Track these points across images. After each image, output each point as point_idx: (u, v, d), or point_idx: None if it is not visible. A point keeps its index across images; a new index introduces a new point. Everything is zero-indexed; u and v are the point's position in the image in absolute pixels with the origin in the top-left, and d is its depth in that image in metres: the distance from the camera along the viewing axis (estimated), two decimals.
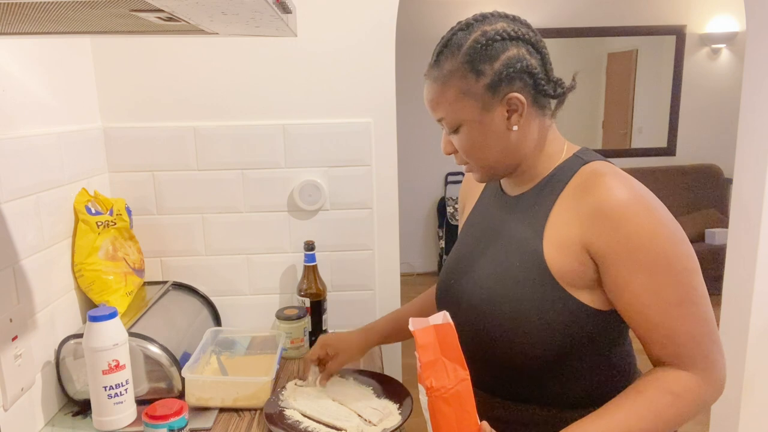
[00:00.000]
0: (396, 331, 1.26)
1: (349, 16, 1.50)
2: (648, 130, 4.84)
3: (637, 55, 4.71)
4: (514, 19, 0.91)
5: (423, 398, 0.84)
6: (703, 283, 0.85)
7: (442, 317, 0.84)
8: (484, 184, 1.10)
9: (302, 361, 1.26)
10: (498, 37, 0.86)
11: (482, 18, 0.90)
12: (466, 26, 0.89)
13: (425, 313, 1.21)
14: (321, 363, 1.25)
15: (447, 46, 0.90)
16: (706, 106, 4.76)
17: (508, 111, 0.89)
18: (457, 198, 4.76)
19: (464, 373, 0.81)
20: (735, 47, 4.66)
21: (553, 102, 0.94)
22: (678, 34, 4.64)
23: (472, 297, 0.96)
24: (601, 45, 4.72)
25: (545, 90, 0.90)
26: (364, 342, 1.25)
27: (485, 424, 0.82)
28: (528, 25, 0.91)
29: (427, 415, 0.84)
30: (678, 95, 4.75)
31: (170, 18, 0.64)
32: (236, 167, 1.54)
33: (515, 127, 0.90)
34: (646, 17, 4.60)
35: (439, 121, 0.94)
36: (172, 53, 1.48)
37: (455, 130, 0.92)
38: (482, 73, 0.87)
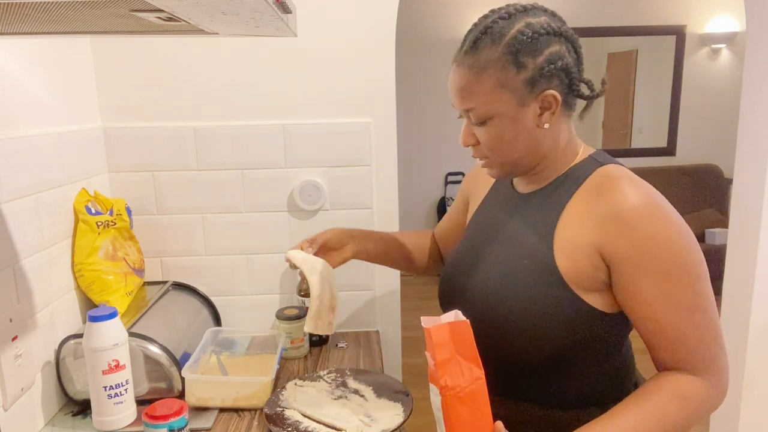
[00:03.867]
0: (375, 238, 1.23)
1: (349, 16, 1.49)
2: (648, 130, 4.84)
3: (637, 55, 4.72)
4: (554, 14, 0.89)
5: (435, 398, 0.82)
6: (711, 288, 0.85)
7: (454, 315, 0.83)
8: (492, 181, 1.08)
9: (307, 240, 1.16)
10: (543, 31, 0.84)
11: (523, 9, 0.87)
12: (508, 15, 0.86)
13: (413, 246, 1.28)
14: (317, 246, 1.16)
15: (487, 32, 0.86)
16: (706, 106, 4.77)
17: (541, 108, 0.87)
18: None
19: (479, 372, 0.80)
20: (735, 47, 4.66)
21: (580, 103, 0.92)
22: (678, 34, 4.64)
23: (478, 295, 0.95)
24: (601, 45, 4.72)
25: (578, 90, 0.88)
26: (349, 229, 1.21)
27: (499, 424, 0.81)
28: (565, 22, 0.89)
29: (438, 415, 0.82)
30: (678, 95, 4.75)
31: (170, 18, 0.64)
32: (236, 167, 1.54)
33: (546, 125, 0.88)
34: (646, 17, 4.61)
35: (467, 111, 0.90)
36: (172, 53, 1.48)
37: (483, 122, 0.89)
38: (524, 66, 0.84)
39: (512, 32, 0.85)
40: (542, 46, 0.84)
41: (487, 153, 0.92)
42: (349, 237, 1.20)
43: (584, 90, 0.90)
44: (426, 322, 0.82)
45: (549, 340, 0.88)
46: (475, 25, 0.89)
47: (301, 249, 1.13)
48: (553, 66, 0.85)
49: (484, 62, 0.86)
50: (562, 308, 0.87)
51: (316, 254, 1.14)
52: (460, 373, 0.79)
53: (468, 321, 0.81)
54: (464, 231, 1.11)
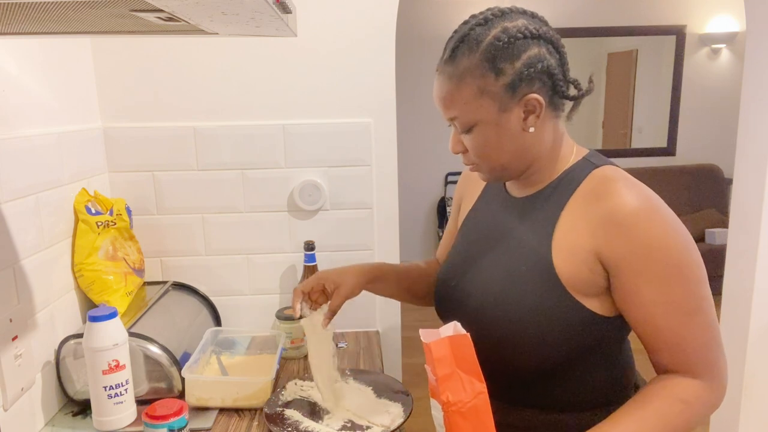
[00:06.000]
0: (386, 278, 1.14)
1: (349, 16, 1.49)
2: (648, 130, 4.84)
3: (637, 55, 4.71)
4: (533, 16, 0.88)
5: (437, 414, 0.81)
6: (710, 290, 0.85)
7: (453, 328, 0.81)
8: (484, 183, 1.07)
9: (293, 292, 1.11)
10: (520, 35, 0.83)
11: (501, 13, 0.86)
12: (485, 21, 0.85)
13: (420, 278, 1.16)
14: (316, 302, 1.12)
15: (464, 41, 0.85)
16: (706, 106, 4.76)
17: (525, 112, 0.86)
18: None
19: (481, 386, 0.79)
20: (735, 47, 4.66)
21: (568, 104, 0.91)
22: (678, 34, 4.64)
23: (476, 300, 0.94)
24: (601, 45, 4.71)
25: (563, 91, 0.87)
26: (361, 276, 1.11)
27: None
28: (546, 23, 0.88)
29: (441, 430, 0.82)
30: (678, 95, 4.75)
31: (170, 18, 0.64)
32: (236, 167, 1.54)
33: (531, 129, 0.87)
34: (646, 17, 4.60)
35: (451, 120, 0.90)
36: (172, 53, 1.48)
37: (468, 130, 0.88)
38: (502, 72, 0.83)
39: (488, 38, 0.84)
40: (520, 50, 0.83)
41: (476, 159, 0.92)
42: (363, 286, 1.11)
43: (570, 90, 0.89)
44: (425, 336, 0.81)
45: (549, 345, 0.87)
46: (455, 32, 0.88)
47: (307, 301, 1.10)
48: (533, 69, 0.84)
49: (462, 71, 0.85)
50: (562, 314, 0.86)
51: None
52: (462, 388, 0.78)
53: (468, 334, 0.80)
54: (457, 234, 1.09)
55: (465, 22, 0.88)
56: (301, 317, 1.11)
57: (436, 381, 0.79)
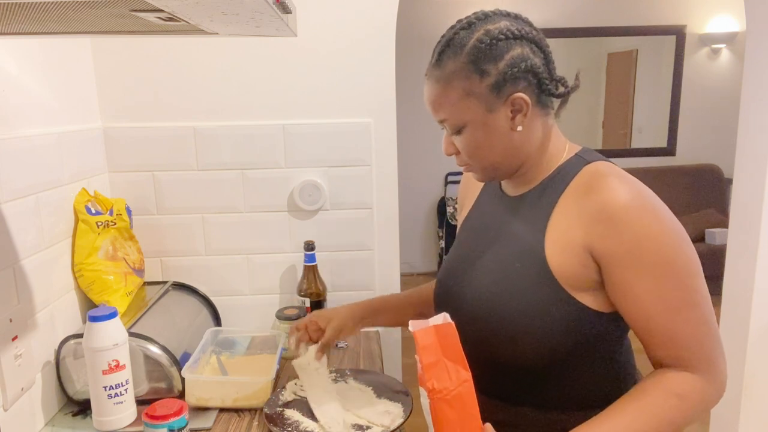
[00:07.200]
0: (385, 309, 1.21)
1: (349, 16, 1.50)
2: (648, 130, 4.84)
3: (637, 55, 4.71)
4: (516, 18, 0.90)
5: (425, 401, 0.82)
6: (705, 284, 0.85)
7: (442, 318, 0.83)
8: (482, 184, 1.09)
9: (289, 330, 1.18)
10: (502, 36, 0.85)
11: (484, 16, 0.89)
12: (468, 25, 0.88)
13: (422, 302, 1.20)
14: (313, 339, 1.19)
15: (449, 45, 0.88)
16: (706, 106, 4.76)
17: (512, 111, 0.88)
18: (457, 198, 4.75)
19: (466, 374, 0.80)
20: (735, 47, 4.66)
21: (556, 101, 0.93)
22: (678, 34, 4.64)
23: (473, 299, 0.95)
24: (601, 45, 4.72)
25: (549, 89, 0.89)
26: (355, 311, 1.18)
27: (488, 426, 0.81)
28: (530, 24, 0.90)
29: (428, 418, 0.83)
30: (678, 95, 4.75)
31: (170, 18, 0.65)
32: (236, 167, 1.54)
33: (519, 128, 0.89)
34: (646, 17, 4.60)
35: (441, 122, 0.92)
36: (172, 53, 1.48)
37: (458, 131, 0.91)
38: (486, 73, 0.86)
39: (472, 41, 0.86)
40: (502, 51, 0.85)
41: (467, 160, 0.94)
42: (359, 321, 1.18)
43: (557, 89, 0.90)
44: (413, 325, 0.83)
45: (544, 341, 0.88)
46: (442, 37, 0.91)
47: (302, 341, 1.19)
48: (516, 69, 0.85)
49: (448, 74, 0.88)
50: (556, 309, 0.87)
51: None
52: (447, 376, 0.79)
53: (452, 323, 0.82)
54: (456, 235, 1.11)
55: (451, 27, 0.90)
56: (294, 357, 1.20)
57: (422, 369, 0.80)
